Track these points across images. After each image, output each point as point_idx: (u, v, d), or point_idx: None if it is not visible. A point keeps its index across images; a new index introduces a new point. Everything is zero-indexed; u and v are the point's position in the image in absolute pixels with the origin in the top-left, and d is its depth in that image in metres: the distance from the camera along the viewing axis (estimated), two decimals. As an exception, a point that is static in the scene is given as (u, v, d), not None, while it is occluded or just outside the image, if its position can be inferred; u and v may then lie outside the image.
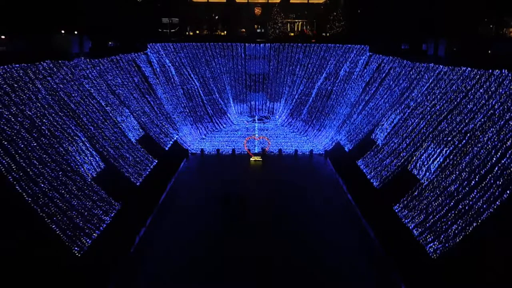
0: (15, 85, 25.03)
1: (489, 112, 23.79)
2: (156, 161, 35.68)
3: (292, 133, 49.74)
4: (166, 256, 23.59)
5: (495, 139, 21.93)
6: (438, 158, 25.48)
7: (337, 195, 32.43)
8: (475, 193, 20.98)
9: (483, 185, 20.82)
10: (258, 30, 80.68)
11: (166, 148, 40.22)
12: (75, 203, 23.41)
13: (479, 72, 26.59)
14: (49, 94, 27.55)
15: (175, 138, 43.08)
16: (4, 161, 20.85)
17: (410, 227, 23.70)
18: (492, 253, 18.22)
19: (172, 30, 77.06)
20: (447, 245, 20.56)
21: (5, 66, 25.09)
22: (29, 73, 26.86)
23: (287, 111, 54.22)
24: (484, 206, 20.02)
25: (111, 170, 29.28)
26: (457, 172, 23.08)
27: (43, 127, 24.98)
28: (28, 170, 21.80)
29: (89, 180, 26.15)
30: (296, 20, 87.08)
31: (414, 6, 55.27)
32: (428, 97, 30.69)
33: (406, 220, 24.50)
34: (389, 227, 25.17)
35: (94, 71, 35.18)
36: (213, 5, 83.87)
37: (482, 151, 22.37)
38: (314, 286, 21.08)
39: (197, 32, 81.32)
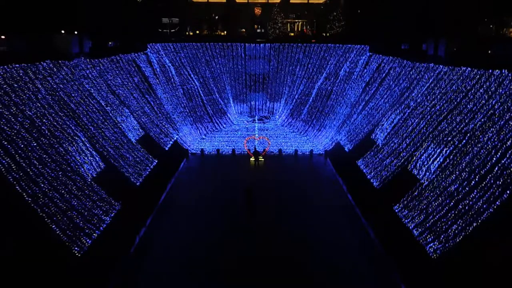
0: (15, 85, 25.04)
1: (489, 112, 23.79)
2: (156, 161, 35.68)
3: (292, 133, 49.74)
4: (166, 256, 23.58)
5: (495, 139, 21.94)
6: (438, 158, 25.48)
7: (337, 195, 32.43)
8: (475, 193, 20.98)
9: (483, 185, 20.82)
10: (258, 30, 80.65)
11: (166, 148, 40.22)
12: (75, 203, 23.41)
13: (479, 72, 26.59)
14: (49, 94, 27.55)
15: (175, 138, 43.08)
16: (4, 161, 20.85)
17: (410, 227, 23.70)
18: (492, 253, 18.22)
19: (172, 30, 77.05)
20: (447, 245, 20.56)
21: (5, 66, 25.09)
22: (29, 73, 26.87)
23: (287, 111, 54.22)
24: (484, 206, 20.03)
25: (111, 170, 29.28)
26: (457, 172, 23.08)
27: (43, 127, 24.98)
28: (28, 170, 21.80)
29: (89, 180, 26.15)
30: (296, 20, 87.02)
31: (414, 6, 55.32)
32: (428, 97, 30.69)
33: (406, 220, 24.50)
34: (389, 227, 25.17)
35: (94, 71, 35.19)
36: (213, 5, 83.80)
37: (482, 151, 22.38)
38: (314, 286, 21.08)
39: (197, 32, 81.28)
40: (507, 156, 20.55)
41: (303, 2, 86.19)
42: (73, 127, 27.66)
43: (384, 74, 40.36)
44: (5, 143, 21.65)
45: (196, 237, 25.78)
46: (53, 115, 26.66)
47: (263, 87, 57.86)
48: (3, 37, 41.13)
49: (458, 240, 20.18)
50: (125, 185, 29.71)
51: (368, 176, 32.12)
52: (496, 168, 20.71)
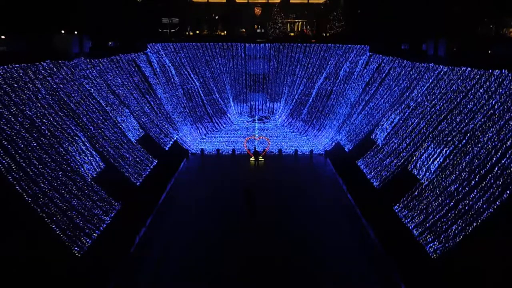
0: (15, 85, 25.04)
1: (489, 112, 23.79)
2: (156, 161, 35.68)
3: (292, 133, 49.74)
4: (166, 256, 23.59)
5: (495, 139, 21.93)
6: (438, 158, 25.48)
7: (337, 195, 32.42)
8: (475, 193, 20.98)
9: (483, 185, 20.83)
10: (258, 30, 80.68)
11: (166, 148, 40.22)
12: (75, 203, 23.41)
13: (479, 72, 26.59)
14: (49, 94, 27.55)
15: (175, 138, 43.08)
16: (4, 161, 20.85)
17: (410, 227, 23.71)
18: (492, 253, 18.22)
19: (172, 30, 77.08)
20: (447, 245, 20.56)
21: (5, 66, 25.09)
22: (29, 73, 26.86)
23: (287, 111, 54.22)
24: (484, 206, 20.03)
25: (111, 170, 29.27)
26: (457, 172, 23.08)
27: (43, 127, 24.98)
28: (28, 170, 21.80)
29: (89, 180, 26.15)
30: (296, 20, 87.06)
31: (414, 6, 55.29)
32: (428, 97, 30.69)
33: (406, 220, 24.50)
34: (389, 227, 25.16)
35: (94, 71, 35.18)
36: (213, 5, 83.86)
37: (482, 151, 22.37)
38: (314, 286, 21.08)
39: (197, 32, 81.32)
40: (507, 156, 20.55)
41: (303, 2, 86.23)
42: (73, 127, 27.66)
43: (384, 74, 40.35)
44: (5, 143, 21.65)
45: (196, 237, 25.78)
46: (53, 115, 26.66)
47: (263, 87, 57.85)
48: (3, 37, 41.16)
49: (458, 240, 20.18)
50: (125, 185, 29.71)
51: (368, 176, 32.13)
52: (496, 168, 20.71)
